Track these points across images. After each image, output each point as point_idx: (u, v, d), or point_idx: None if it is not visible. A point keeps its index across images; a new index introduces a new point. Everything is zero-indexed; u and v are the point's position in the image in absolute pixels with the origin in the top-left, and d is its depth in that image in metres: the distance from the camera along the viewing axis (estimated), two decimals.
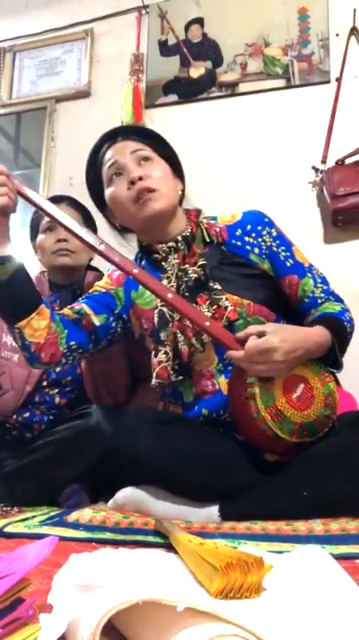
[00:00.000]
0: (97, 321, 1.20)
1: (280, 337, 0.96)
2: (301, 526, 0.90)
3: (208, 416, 1.13)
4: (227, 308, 1.10)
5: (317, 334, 1.05)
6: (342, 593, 0.52)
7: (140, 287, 1.20)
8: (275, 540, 0.83)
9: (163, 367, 1.10)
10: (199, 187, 1.97)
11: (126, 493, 1.03)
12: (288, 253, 1.20)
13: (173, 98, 2.04)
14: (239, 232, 1.21)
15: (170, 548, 0.73)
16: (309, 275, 1.19)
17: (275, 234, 1.21)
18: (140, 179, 1.14)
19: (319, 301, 1.18)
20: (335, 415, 1.05)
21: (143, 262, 1.25)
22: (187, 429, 1.09)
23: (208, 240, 1.20)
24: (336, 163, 1.69)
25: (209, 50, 2.03)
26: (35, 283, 1.59)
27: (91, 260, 1.66)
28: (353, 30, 1.84)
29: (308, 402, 1.04)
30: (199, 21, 2.07)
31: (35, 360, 1.13)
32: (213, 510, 0.98)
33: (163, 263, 1.18)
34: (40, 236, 1.58)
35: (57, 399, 1.47)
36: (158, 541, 0.83)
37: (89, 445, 1.19)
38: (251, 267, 1.18)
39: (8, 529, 0.93)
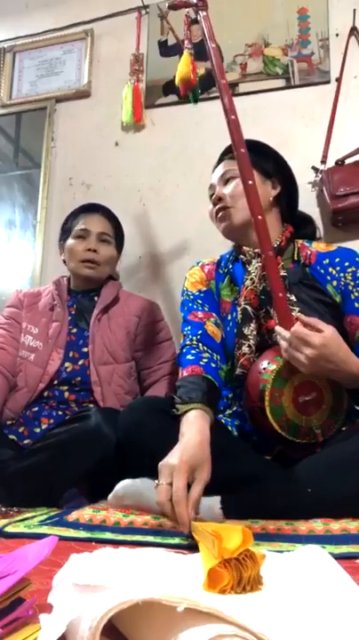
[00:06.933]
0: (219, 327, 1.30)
1: (325, 342, 0.99)
2: (302, 526, 0.90)
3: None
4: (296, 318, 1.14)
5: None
6: (342, 593, 0.52)
7: (226, 280, 1.33)
8: (276, 540, 0.83)
9: (247, 358, 1.19)
10: (199, 187, 1.97)
11: (125, 485, 1.04)
12: None
13: (173, 98, 2.04)
14: (326, 261, 1.26)
15: (170, 547, 0.73)
16: None
17: (358, 274, 1.24)
18: (220, 199, 1.30)
19: None
20: (321, 437, 1.06)
21: (234, 262, 1.34)
22: None
23: (296, 259, 1.28)
24: (336, 163, 1.69)
25: (209, 50, 2.03)
26: (55, 286, 1.64)
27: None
28: (353, 30, 1.84)
29: (309, 411, 1.06)
30: (199, 22, 2.06)
31: None
32: (215, 501, 0.98)
33: (248, 266, 1.26)
34: (71, 241, 1.62)
35: (66, 394, 1.49)
36: (158, 541, 0.84)
37: (89, 447, 1.20)
38: (325, 295, 1.23)
39: (8, 529, 0.93)
